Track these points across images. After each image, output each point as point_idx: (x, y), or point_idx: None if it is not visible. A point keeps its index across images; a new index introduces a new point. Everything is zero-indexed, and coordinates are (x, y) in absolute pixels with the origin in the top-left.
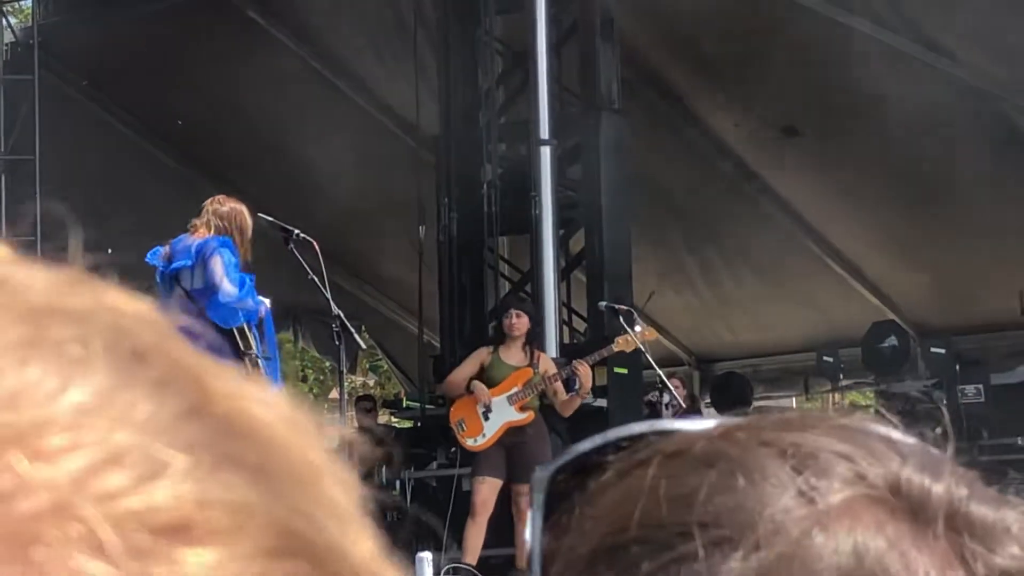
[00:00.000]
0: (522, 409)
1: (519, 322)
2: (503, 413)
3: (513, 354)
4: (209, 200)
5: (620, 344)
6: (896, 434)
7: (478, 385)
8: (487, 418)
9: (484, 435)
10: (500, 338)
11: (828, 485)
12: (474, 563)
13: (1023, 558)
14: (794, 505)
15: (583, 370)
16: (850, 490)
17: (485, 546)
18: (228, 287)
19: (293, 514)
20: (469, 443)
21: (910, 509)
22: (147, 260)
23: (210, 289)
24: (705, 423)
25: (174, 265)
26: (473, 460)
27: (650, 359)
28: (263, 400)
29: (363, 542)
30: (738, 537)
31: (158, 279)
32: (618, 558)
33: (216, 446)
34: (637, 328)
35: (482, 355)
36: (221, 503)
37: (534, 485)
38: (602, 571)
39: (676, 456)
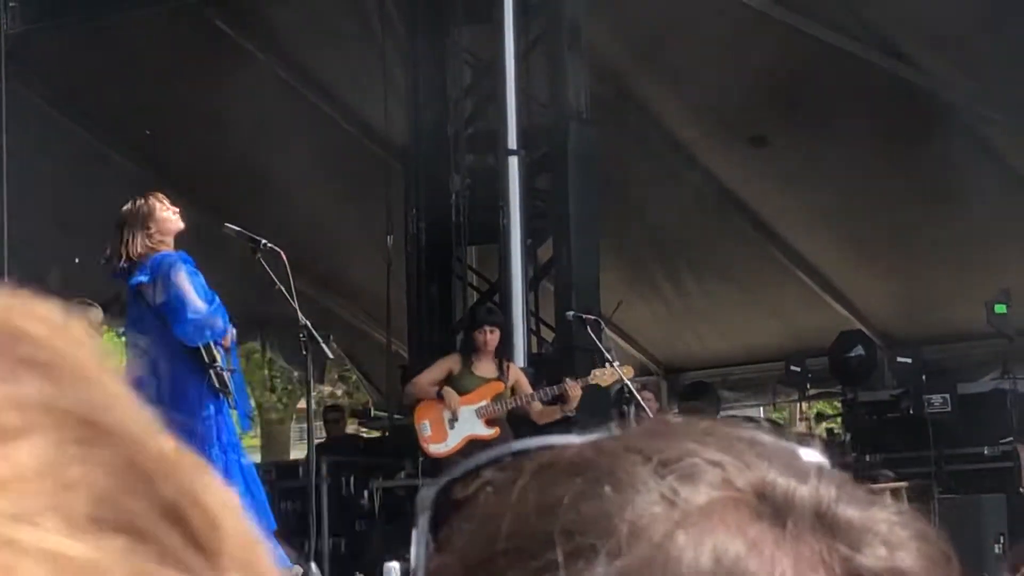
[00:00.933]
0: (489, 423)
1: (492, 338)
2: (469, 425)
3: (483, 365)
4: (136, 207)
5: (596, 376)
6: (767, 438)
7: (449, 392)
8: (452, 427)
9: (447, 444)
10: (470, 349)
11: (692, 489)
12: None
13: (887, 558)
14: (657, 509)
15: (575, 393)
16: (714, 493)
17: None
18: (197, 303)
19: (89, 407)
20: (431, 449)
21: (774, 512)
22: (112, 276)
23: (175, 304)
24: (587, 437)
25: (133, 280)
26: (439, 471)
27: (622, 374)
28: (38, 312)
29: (159, 434)
30: (601, 543)
31: (128, 294)
32: (487, 570)
33: (6, 352)
34: (616, 363)
35: (451, 362)
36: (24, 400)
37: (419, 504)
38: None
39: (546, 467)
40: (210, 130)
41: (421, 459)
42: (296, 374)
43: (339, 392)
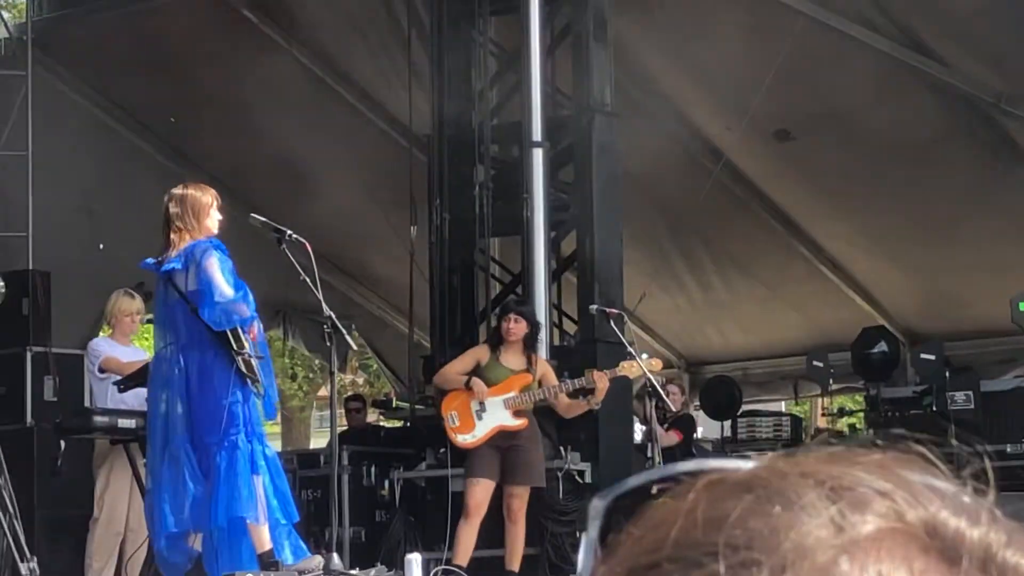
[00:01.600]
0: (516, 415)
1: (516, 327)
2: (497, 415)
3: (511, 357)
4: (170, 200)
5: (624, 369)
6: (939, 478)
7: (477, 382)
8: (480, 417)
9: (475, 435)
10: (497, 340)
11: (860, 517)
12: (465, 564)
13: None
14: (825, 533)
15: (602, 385)
16: (883, 523)
17: (474, 547)
18: (224, 288)
19: None
20: (459, 439)
21: (942, 549)
22: (141, 267)
23: (204, 289)
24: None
25: (165, 267)
26: (466, 461)
27: (647, 369)
28: None
29: None
30: (765, 559)
31: (158, 281)
32: (650, 575)
33: None
34: (644, 356)
35: (479, 353)
36: None
37: (590, 513)
38: None
39: (718, 482)
40: (235, 118)
41: (442, 450)
42: (318, 362)
43: (360, 381)
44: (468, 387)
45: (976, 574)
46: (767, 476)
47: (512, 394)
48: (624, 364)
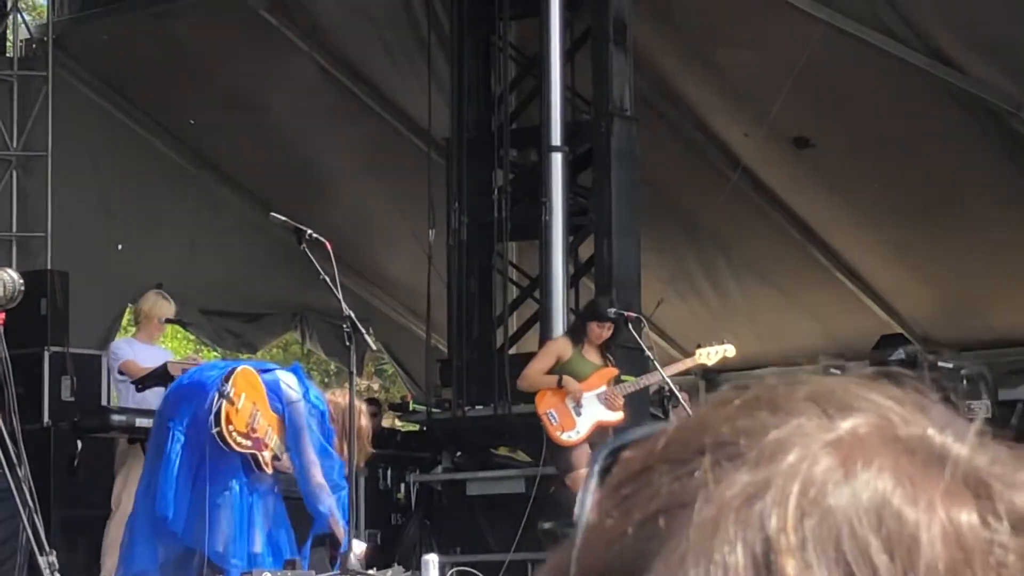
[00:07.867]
0: (611, 409)
1: (607, 334)
2: (594, 411)
3: (590, 352)
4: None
5: (702, 357)
6: (929, 401)
7: (569, 380)
8: (579, 414)
9: (578, 431)
10: (581, 336)
11: (849, 419)
12: None
13: None
14: (809, 429)
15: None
16: (871, 427)
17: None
18: (315, 471)
19: None
20: (563, 437)
21: (927, 459)
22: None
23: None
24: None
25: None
26: (562, 457)
27: (659, 368)
28: None
29: None
30: (748, 452)
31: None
32: (641, 477)
33: None
34: (725, 345)
35: (561, 349)
36: None
37: (594, 459)
38: (624, 492)
39: (714, 397)
40: (254, 121)
41: (459, 453)
42: (334, 366)
43: (375, 386)
44: (560, 386)
45: (959, 486)
46: (760, 388)
47: (603, 388)
48: (699, 352)
